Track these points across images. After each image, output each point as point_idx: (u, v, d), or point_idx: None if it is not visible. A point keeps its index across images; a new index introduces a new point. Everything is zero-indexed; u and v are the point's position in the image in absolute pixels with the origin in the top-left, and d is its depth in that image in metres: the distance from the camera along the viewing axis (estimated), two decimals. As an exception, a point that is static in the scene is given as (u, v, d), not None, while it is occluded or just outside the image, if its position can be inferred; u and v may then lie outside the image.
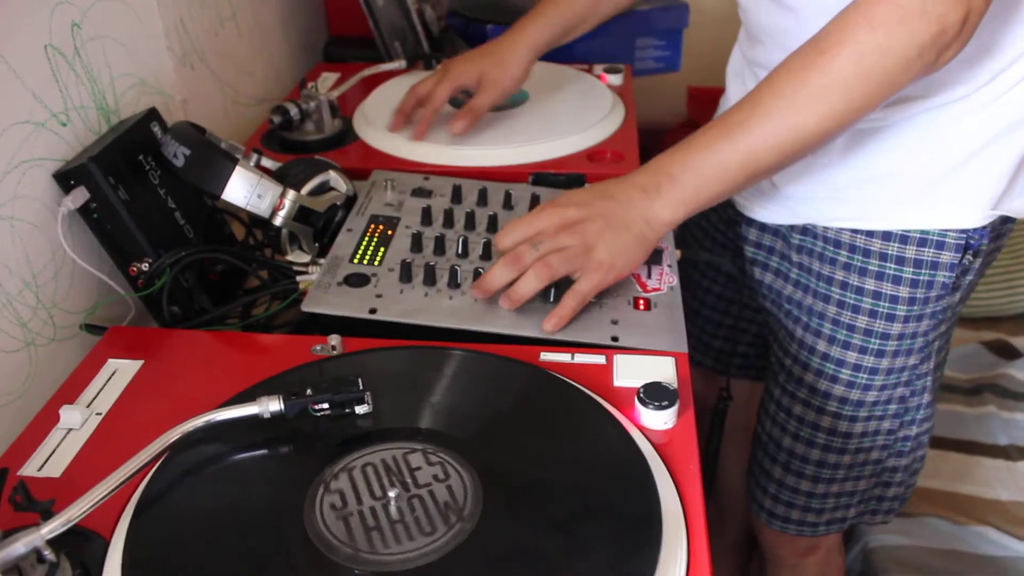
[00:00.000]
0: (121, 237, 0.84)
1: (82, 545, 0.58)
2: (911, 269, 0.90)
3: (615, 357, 0.75)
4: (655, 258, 0.88)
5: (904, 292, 0.91)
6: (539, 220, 0.80)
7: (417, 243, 0.89)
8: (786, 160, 0.79)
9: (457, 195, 0.98)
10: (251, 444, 0.65)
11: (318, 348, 0.77)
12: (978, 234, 0.89)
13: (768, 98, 0.77)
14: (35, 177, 0.80)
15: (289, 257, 0.92)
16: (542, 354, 0.76)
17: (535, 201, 0.98)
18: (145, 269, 0.85)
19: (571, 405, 0.69)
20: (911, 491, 1.06)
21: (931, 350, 0.96)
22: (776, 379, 1.05)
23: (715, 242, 1.15)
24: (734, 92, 1.06)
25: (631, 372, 0.74)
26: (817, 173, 0.93)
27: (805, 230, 0.97)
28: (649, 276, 0.87)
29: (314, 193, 0.93)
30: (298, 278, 0.87)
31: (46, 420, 0.70)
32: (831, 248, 0.95)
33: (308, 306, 0.81)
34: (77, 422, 0.70)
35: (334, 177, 0.95)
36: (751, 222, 1.05)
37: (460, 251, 0.88)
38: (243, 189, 0.87)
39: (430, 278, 0.84)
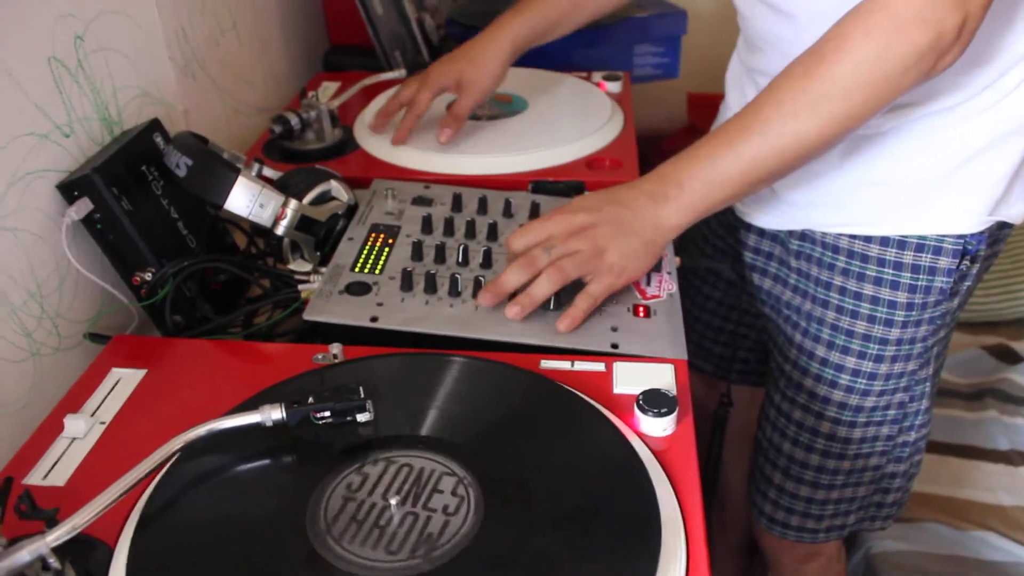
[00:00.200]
0: (124, 247, 0.85)
1: (86, 553, 0.59)
2: (909, 274, 0.91)
3: (615, 364, 0.76)
4: (655, 266, 0.89)
5: (902, 297, 0.92)
6: (551, 224, 0.82)
7: (418, 251, 0.90)
8: (788, 167, 0.80)
9: (457, 203, 0.99)
10: (254, 452, 0.66)
11: (320, 356, 0.78)
12: (975, 239, 0.89)
13: (769, 106, 0.78)
14: (39, 188, 0.80)
15: (291, 266, 0.92)
16: (542, 362, 0.76)
17: (535, 209, 0.98)
18: (148, 279, 0.85)
19: (571, 412, 0.70)
20: (908, 496, 1.07)
21: (930, 355, 0.97)
22: (776, 384, 1.05)
23: (715, 248, 1.16)
24: (733, 99, 1.07)
25: (631, 379, 0.74)
26: (816, 179, 0.93)
27: (804, 236, 0.98)
28: (649, 283, 0.87)
29: (315, 202, 0.94)
30: (300, 287, 0.88)
31: (51, 429, 0.71)
32: (830, 253, 0.95)
33: (310, 315, 0.82)
34: (81, 431, 0.70)
35: (335, 186, 0.96)
36: (750, 228, 1.06)
37: (460, 259, 0.89)
38: (245, 199, 0.88)
39: (431, 286, 0.84)
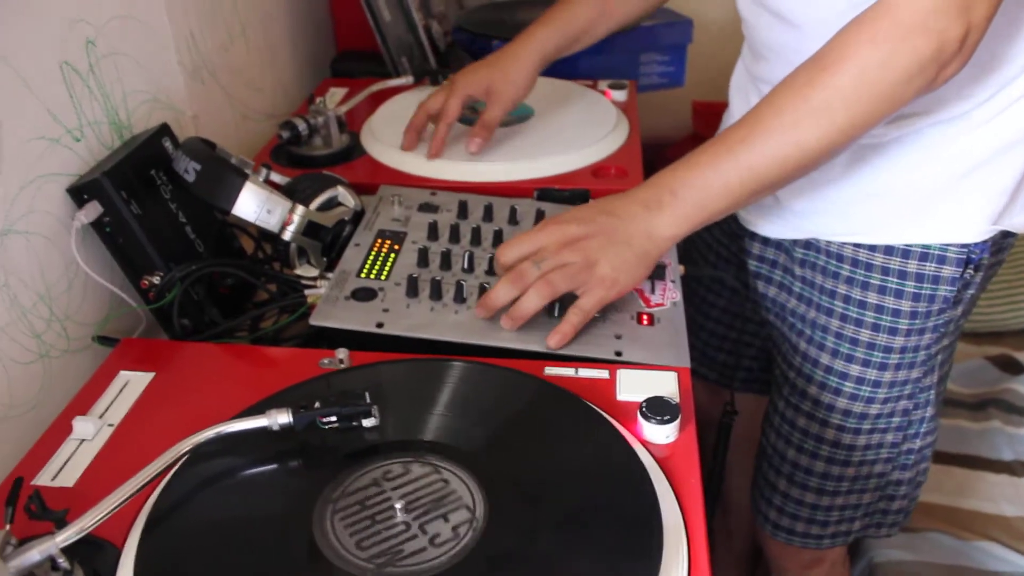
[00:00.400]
0: (133, 251, 0.85)
1: (94, 554, 0.59)
2: (913, 283, 0.91)
3: (618, 371, 0.76)
4: (658, 273, 0.89)
5: (906, 306, 0.92)
6: (541, 236, 0.81)
7: (424, 258, 0.90)
8: (788, 176, 0.79)
9: (463, 210, 0.99)
10: (260, 456, 0.66)
11: (326, 361, 0.78)
12: (979, 248, 0.89)
13: (770, 115, 0.77)
14: (50, 192, 0.81)
15: (297, 271, 0.93)
16: (546, 368, 0.77)
17: (540, 216, 0.99)
18: (156, 282, 0.86)
19: (575, 419, 0.70)
20: (915, 504, 1.07)
21: (934, 363, 0.97)
22: (780, 392, 1.06)
23: (719, 256, 1.16)
24: (737, 107, 1.07)
25: (634, 386, 0.75)
26: (820, 188, 0.94)
27: (808, 244, 0.98)
28: (653, 291, 0.88)
29: (322, 208, 0.94)
30: (306, 292, 0.88)
31: (60, 431, 0.72)
32: (834, 262, 0.96)
33: (316, 320, 0.82)
34: (90, 433, 0.71)
35: (342, 192, 0.97)
36: (754, 236, 1.06)
37: (466, 266, 0.89)
38: (253, 204, 0.88)
39: (436, 293, 0.85)
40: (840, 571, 1.19)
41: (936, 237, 0.89)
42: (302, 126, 1.14)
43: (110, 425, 0.72)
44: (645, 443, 0.69)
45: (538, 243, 0.81)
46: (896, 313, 0.93)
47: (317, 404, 0.66)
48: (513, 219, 0.98)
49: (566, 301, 0.81)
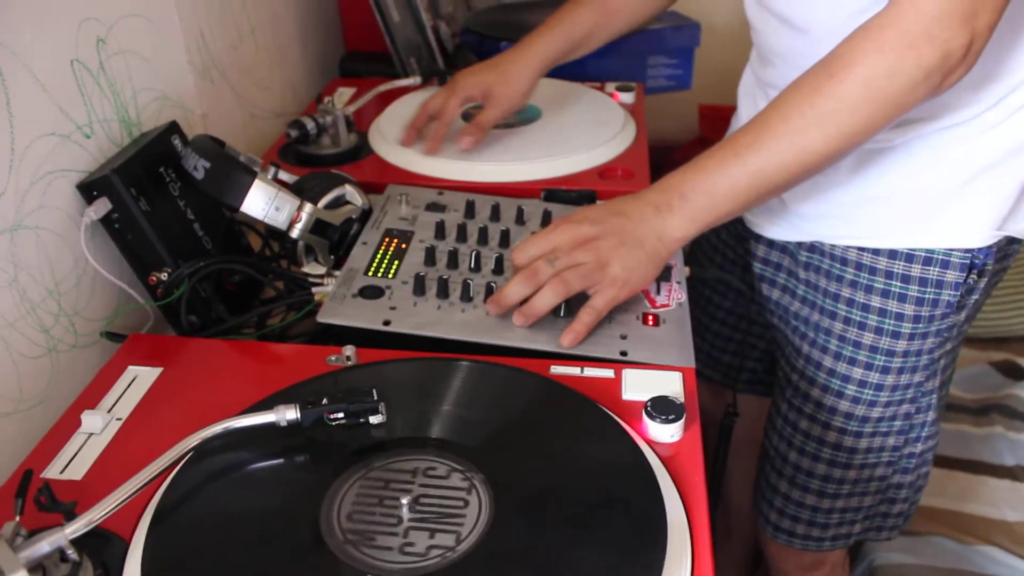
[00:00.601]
0: (141, 247, 0.86)
1: (103, 546, 0.60)
2: (916, 287, 0.92)
3: (624, 371, 0.77)
4: (664, 275, 0.90)
5: (909, 310, 0.92)
6: (554, 236, 0.82)
7: (431, 257, 0.91)
8: (794, 180, 0.81)
9: (470, 210, 1.00)
10: (267, 452, 0.67)
11: (333, 358, 0.79)
12: (983, 254, 0.90)
13: (777, 120, 0.78)
14: (59, 188, 0.82)
15: (305, 269, 0.93)
16: (552, 367, 0.77)
17: (547, 217, 0.99)
18: (164, 279, 0.86)
19: (580, 417, 0.71)
20: (915, 508, 1.07)
21: (936, 368, 0.97)
22: (783, 394, 1.06)
23: (725, 258, 1.17)
24: (745, 111, 1.08)
25: (639, 386, 0.75)
26: (825, 192, 0.94)
27: (812, 247, 0.98)
28: (658, 292, 0.88)
29: (330, 206, 0.95)
30: (313, 290, 0.89)
31: (68, 424, 0.72)
32: (838, 265, 0.96)
33: (323, 317, 0.83)
34: (98, 427, 0.71)
35: (350, 191, 0.97)
36: (759, 239, 1.06)
37: (473, 265, 0.90)
38: (261, 202, 0.89)
39: (443, 291, 0.85)
40: (840, 574, 1.20)
41: (940, 242, 0.90)
42: (310, 125, 1.14)
43: (118, 419, 0.73)
44: (650, 442, 0.70)
45: (552, 243, 0.82)
46: (899, 317, 0.93)
47: (325, 400, 0.66)
48: (520, 219, 0.99)
49: (572, 302, 0.82)
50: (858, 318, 0.95)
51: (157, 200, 0.87)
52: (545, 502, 0.63)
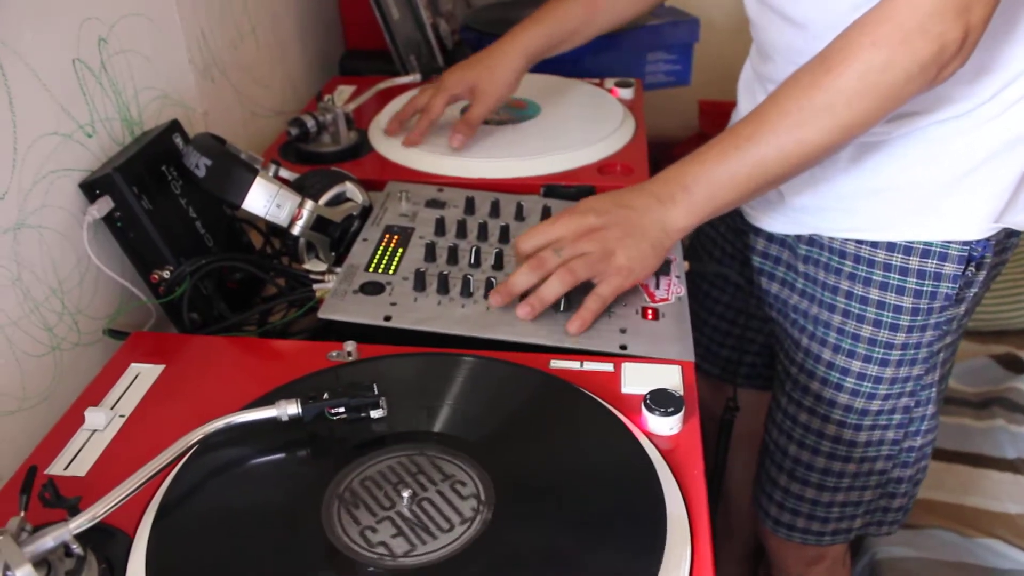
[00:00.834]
0: (144, 245, 0.87)
1: (107, 541, 0.60)
2: (914, 280, 0.92)
3: (623, 365, 0.77)
4: (664, 269, 0.90)
5: (907, 302, 0.93)
6: (560, 226, 0.83)
7: (431, 253, 0.91)
8: (793, 171, 0.82)
9: (470, 206, 1.00)
10: (269, 447, 0.67)
11: (334, 354, 0.79)
12: (981, 246, 0.90)
13: (775, 114, 0.80)
14: (62, 187, 0.82)
15: (306, 266, 0.94)
16: (552, 361, 0.78)
17: (546, 213, 1.00)
18: (166, 276, 0.87)
19: (580, 411, 0.71)
20: (913, 502, 1.07)
21: (935, 361, 0.98)
22: (782, 387, 1.06)
23: (723, 252, 1.17)
24: (745, 106, 1.08)
25: (638, 380, 0.75)
26: (823, 185, 0.95)
27: (811, 240, 0.99)
28: (657, 286, 0.89)
29: (331, 204, 0.95)
30: (314, 286, 0.89)
31: (72, 421, 0.73)
32: (836, 258, 0.96)
33: (325, 313, 0.83)
34: (101, 423, 0.72)
35: (350, 188, 0.97)
36: (758, 232, 1.07)
37: (473, 261, 0.90)
38: (263, 199, 0.89)
39: (443, 287, 0.86)
40: (841, 570, 1.20)
41: (938, 234, 0.90)
42: (311, 123, 1.15)
43: (121, 416, 0.73)
44: (649, 435, 0.70)
45: (557, 233, 0.83)
46: (897, 310, 0.93)
47: (326, 395, 0.67)
48: (519, 215, 0.99)
49: (572, 295, 0.82)
50: (857, 311, 0.96)
51: (159, 198, 0.88)
52: (545, 495, 0.63)
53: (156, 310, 0.92)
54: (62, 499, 0.58)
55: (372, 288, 0.86)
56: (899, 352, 0.96)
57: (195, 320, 0.88)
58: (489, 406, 0.72)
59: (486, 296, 0.85)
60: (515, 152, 1.12)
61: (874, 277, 0.94)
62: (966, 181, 0.88)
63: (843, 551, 1.19)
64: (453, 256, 0.91)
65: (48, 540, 0.55)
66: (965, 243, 0.90)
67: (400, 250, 0.93)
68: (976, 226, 0.89)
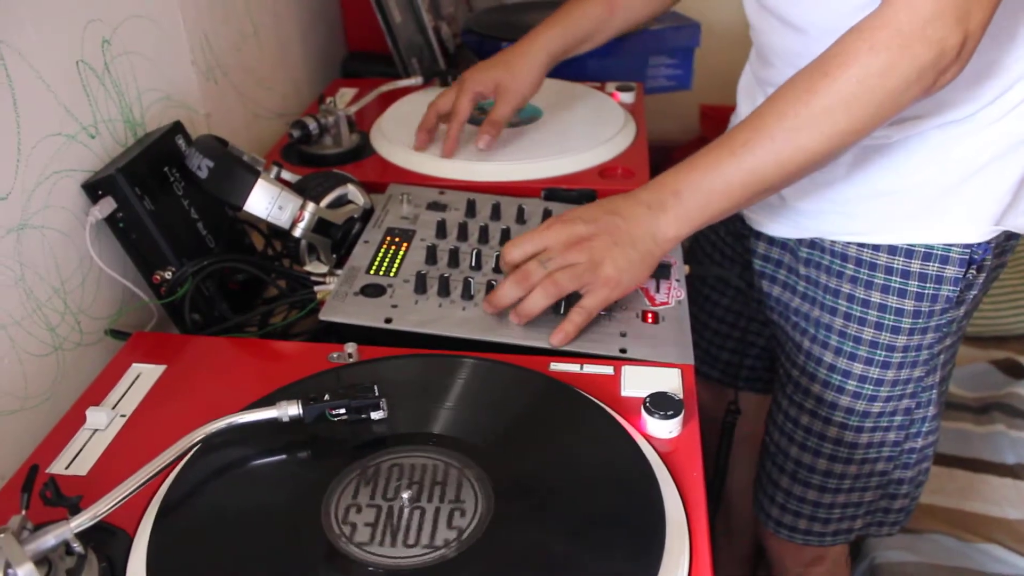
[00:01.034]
0: (146, 246, 0.87)
1: (108, 540, 0.61)
2: (916, 283, 0.92)
3: (623, 368, 0.77)
4: (663, 272, 0.90)
5: (909, 305, 0.93)
6: (547, 236, 0.82)
7: (432, 255, 0.91)
8: (790, 178, 0.81)
9: (471, 209, 1.01)
10: (270, 447, 0.67)
11: (335, 356, 0.79)
12: (982, 249, 0.90)
13: (772, 119, 0.78)
14: (65, 187, 0.83)
15: (307, 268, 0.94)
16: (552, 364, 0.78)
17: (547, 216, 1.00)
18: (168, 277, 0.87)
19: (579, 413, 0.71)
20: (915, 504, 1.07)
21: (936, 363, 0.98)
22: (784, 390, 1.06)
23: (723, 255, 1.17)
24: (745, 110, 1.08)
25: (638, 383, 0.76)
26: (825, 188, 0.95)
27: (813, 244, 0.99)
28: (657, 290, 0.89)
29: (332, 206, 0.95)
30: (315, 288, 0.90)
31: (73, 421, 0.73)
32: (838, 262, 0.97)
33: (326, 315, 0.84)
34: (103, 423, 0.72)
35: (352, 190, 0.98)
36: (759, 236, 1.07)
37: (473, 263, 0.91)
38: (265, 201, 0.90)
39: (444, 289, 0.86)
40: (841, 570, 1.20)
41: (939, 237, 0.90)
42: (313, 125, 1.15)
43: (122, 416, 0.74)
44: (648, 438, 0.70)
45: (544, 242, 0.82)
46: (899, 312, 0.94)
47: (327, 396, 0.67)
48: (520, 218, 1.00)
49: (572, 298, 0.82)
50: (858, 314, 0.96)
51: (161, 199, 0.88)
52: (544, 498, 0.63)
53: (158, 311, 0.93)
54: (63, 498, 0.58)
55: (373, 290, 0.87)
56: (900, 354, 0.96)
57: (197, 321, 0.89)
58: (489, 408, 0.72)
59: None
60: (517, 155, 1.12)
61: (875, 280, 0.94)
62: (967, 184, 0.89)
63: (843, 552, 1.19)
64: (454, 259, 0.91)
65: (49, 538, 0.55)
66: (966, 246, 0.90)
67: (401, 252, 0.93)
68: (977, 229, 0.90)
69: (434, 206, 1.02)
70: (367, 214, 0.99)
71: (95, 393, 0.77)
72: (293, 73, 1.38)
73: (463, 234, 0.96)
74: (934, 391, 0.99)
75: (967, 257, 0.90)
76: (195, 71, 1.07)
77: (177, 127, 0.95)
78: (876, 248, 0.93)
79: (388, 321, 0.83)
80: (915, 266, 0.92)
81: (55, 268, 0.81)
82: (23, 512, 0.56)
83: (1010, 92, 0.85)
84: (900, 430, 1.00)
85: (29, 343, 0.78)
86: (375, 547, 0.59)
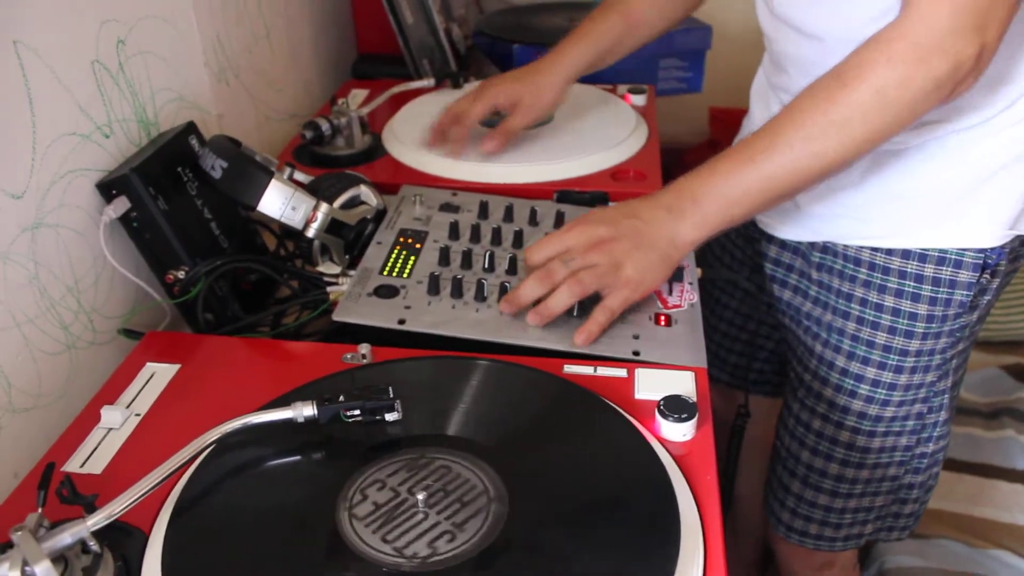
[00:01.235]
0: (159, 245, 0.87)
1: (123, 539, 0.61)
2: (929, 287, 0.92)
3: (636, 371, 0.77)
4: (676, 276, 0.90)
5: (922, 310, 0.93)
6: (570, 237, 0.83)
7: (445, 257, 0.91)
8: (806, 185, 0.82)
9: (484, 211, 1.01)
10: (285, 448, 0.67)
11: (348, 356, 0.79)
12: (995, 254, 0.90)
13: (790, 127, 0.79)
14: (80, 186, 0.83)
15: (320, 268, 0.94)
16: (566, 366, 0.78)
17: (559, 218, 1.00)
18: (181, 277, 0.87)
19: (594, 416, 0.71)
20: (924, 508, 1.07)
21: (948, 368, 0.98)
22: (795, 394, 1.06)
23: (734, 258, 1.17)
24: (758, 113, 1.08)
25: (652, 385, 0.76)
26: (838, 193, 0.95)
27: (825, 248, 0.99)
28: (670, 293, 0.89)
29: (345, 206, 0.95)
30: (328, 289, 0.90)
31: (88, 419, 0.73)
32: (851, 266, 0.96)
33: (339, 316, 0.84)
34: (117, 422, 0.72)
35: (365, 191, 0.98)
36: (771, 239, 1.07)
37: (486, 265, 0.90)
38: (278, 201, 0.90)
39: (457, 291, 0.86)
40: (850, 575, 1.20)
41: (953, 242, 0.90)
42: (325, 126, 1.15)
43: (137, 415, 0.74)
44: (662, 441, 0.70)
45: (566, 244, 0.83)
46: (912, 317, 0.93)
47: (341, 397, 0.67)
48: (533, 220, 1.00)
49: (584, 302, 0.83)
50: (871, 317, 0.96)
51: (175, 199, 0.88)
52: (558, 500, 0.63)
53: (171, 310, 0.93)
54: (79, 496, 0.58)
55: (386, 291, 0.87)
56: (913, 359, 0.96)
57: (209, 320, 0.89)
58: (503, 410, 0.72)
59: (500, 301, 0.85)
60: (529, 157, 1.12)
61: (889, 284, 0.94)
62: (982, 189, 0.88)
63: (852, 558, 1.19)
64: (467, 260, 0.91)
65: (66, 536, 0.55)
66: (980, 251, 0.90)
67: (414, 254, 0.93)
68: (991, 234, 0.89)
69: (447, 207, 1.02)
70: (380, 215, 0.99)
71: (109, 392, 0.77)
72: (304, 75, 1.39)
73: (476, 236, 0.96)
74: (946, 396, 0.99)
75: (981, 261, 0.90)
76: (207, 72, 1.07)
77: (190, 127, 0.95)
78: (890, 252, 0.93)
79: (401, 322, 0.83)
80: (929, 270, 0.92)
81: (69, 267, 0.82)
82: (40, 510, 0.56)
83: (1023, 99, 0.85)
84: (912, 435, 1.00)
85: (43, 341, 0.78)
86: (390, 548, 0.59)
